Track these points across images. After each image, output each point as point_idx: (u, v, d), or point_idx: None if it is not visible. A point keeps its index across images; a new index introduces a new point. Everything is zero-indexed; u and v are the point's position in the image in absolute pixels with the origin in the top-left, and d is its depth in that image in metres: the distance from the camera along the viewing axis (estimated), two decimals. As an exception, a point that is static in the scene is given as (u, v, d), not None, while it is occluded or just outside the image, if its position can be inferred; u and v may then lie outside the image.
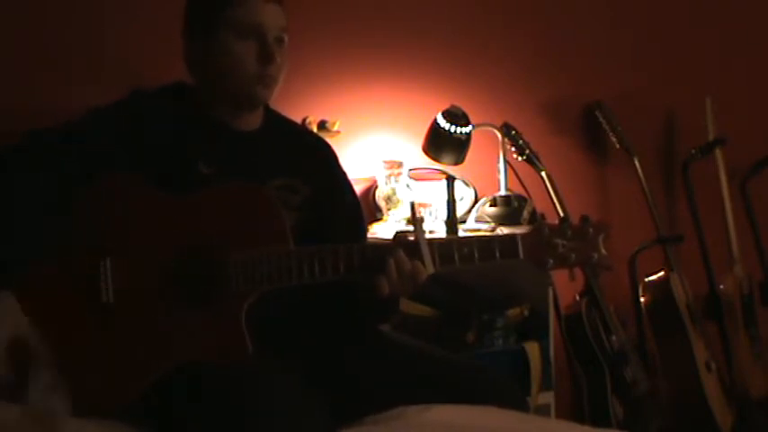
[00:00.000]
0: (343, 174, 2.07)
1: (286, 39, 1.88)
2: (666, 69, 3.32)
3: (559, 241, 1.81)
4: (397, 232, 1.79)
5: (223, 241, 1.71)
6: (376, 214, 2.78)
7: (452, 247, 1.78)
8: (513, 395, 1.91)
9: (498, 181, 2.85)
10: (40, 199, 1.69)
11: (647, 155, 3.23)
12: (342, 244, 1.75)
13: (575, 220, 1.87)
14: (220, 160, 1.83)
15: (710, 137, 3.26)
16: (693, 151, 3.26)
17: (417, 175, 2.87)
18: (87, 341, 1.68)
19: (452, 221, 2.61)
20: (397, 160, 2.78)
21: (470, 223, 2.78)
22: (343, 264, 1.73)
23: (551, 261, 1.81)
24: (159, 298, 1.69)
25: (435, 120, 2.78)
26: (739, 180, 3.34)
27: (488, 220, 2.76)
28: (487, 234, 2.49)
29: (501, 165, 2.85)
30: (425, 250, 1.74)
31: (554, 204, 2.82)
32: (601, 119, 3.14)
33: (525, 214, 2.75)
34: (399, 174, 2.76)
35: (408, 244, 1.76)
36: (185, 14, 1.91)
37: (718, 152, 3.30)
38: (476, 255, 1.78)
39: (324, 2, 2.76)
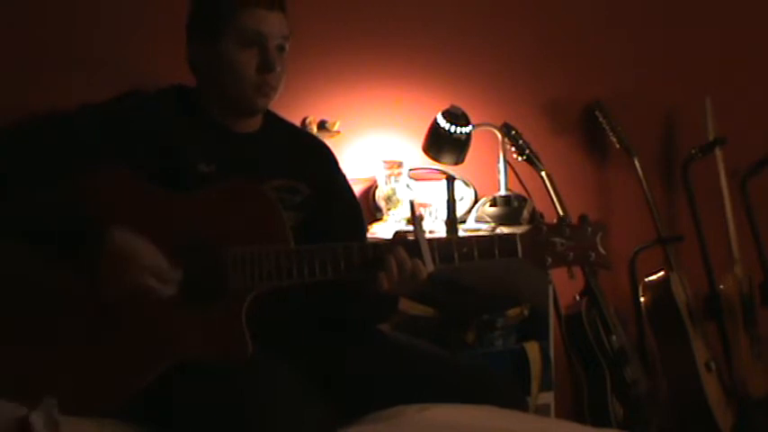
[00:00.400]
0: (342, 175, 2.08)
1: (287, 47, 1.88)
2: (666, 69, 3.32)
3: (558, 240, 1.82)
4: (396, 231, 1.80)
5: (223, 240, 1.71)
6: (376, 214, 2.78)
7: (452, 245, 1.78)
8: (513, 395, 1.92)
9: (498, 181, 2.85)
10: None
11: (647, 155, 3.23)
12: (342, 243, 1.75)
13: (574, 219, 1.88)
14: (220, 160, 1.83)
15: (710, 137, 3.26)
16: (693, 151, 3.26)
17: (417, 175, 2.87)
18: (87, 339, 1.68)
19: (452, 221, 2.61)
20: (397, 160, 2.78)
21: (470, 223, 2.78)
22: (343, 262, 1.73)
23: (550, 260, 1.82)
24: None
25: (435, 120, 2.78)
26: (739, 180, 3.34)
27: (488, 220, 2.76)
28: (487, 233, 2.49)
29: (501, 165, 2.85)
30: (425, 249, 1.75)
31: (554, 204, 2.82)
32: (601, 119, 3.14)
33: (525, 214, 2.75)
34: (399, 174, 2.76)
35: (408, 243, 1.76)
36: (190, 18, 1.91)
37: (718, 152, 3.30)
38: (475, 254, 1.78)
39: (324, 2, 2.76)
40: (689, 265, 3.23)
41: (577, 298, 2.92)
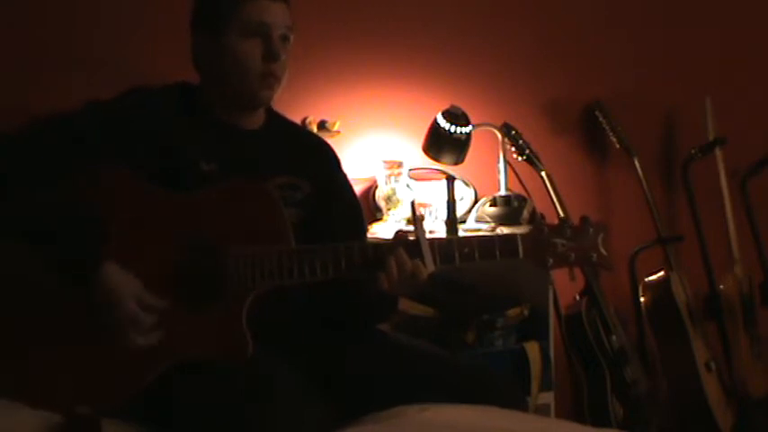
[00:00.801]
0: (344, 174, 2.08)
1: (291, 38, 1.89)
2: (666, 69, 3.32)
3: (559, 241, 1.82)
4: (398, 230, 1.80)
5: (224, 239, 1.71)
6: (376, 214, 2.78)
7: (453, 245, 1.78)
8: (513, 395, 1.92)
9: (498, 181, 2.85)
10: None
11: (647, 155, 3.23)
12: (342, 243, 1.75)
13: (575, 220, 1.88)
14: (222, 158, 1.83)
15: (710, 137, 3.26)
16: (693, 151, 3.26)
17: (417, 175, 2.87)
18: (87, 339, 1.68)
19: (452, 221, 2.61)
20: (397, 160, 2.78)
21: (470, 223, 2.78)
22: (344, 262, 1.73)
23: (551, 260, 1.82)
24: (160, 296, 1.69)
25: (435, 120, 2.78)
26: (739, 180, 3.34)
27: (488, 220, 2.76)
28: (487, 233, 2.49)
29: (501, 165, 2.85)
30: (426, 249, 1.75)
31: (554, 204, 2.82)
32: (601, 119, 3.14)
33: (525, 214, 2.75)
34: (399, 174, 2.76)
35: (409, 243, 1.76)
36: (194, 12, 1.92)
37: (718, 152, 3.30)
38: (476, 254, 1.78)
39: (324, 2, 2.76)
40: (689, 265, 3.23)
41: (577, 298, 2.92)
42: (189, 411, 1.63)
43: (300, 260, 1.72)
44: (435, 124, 2.78)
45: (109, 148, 1.76)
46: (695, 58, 3.35)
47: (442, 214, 2.67)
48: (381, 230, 2.66)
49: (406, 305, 2.51)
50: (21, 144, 1.74)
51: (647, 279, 3.17)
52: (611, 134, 3.13)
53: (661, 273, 3.15)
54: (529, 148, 2.84)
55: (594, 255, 1.84)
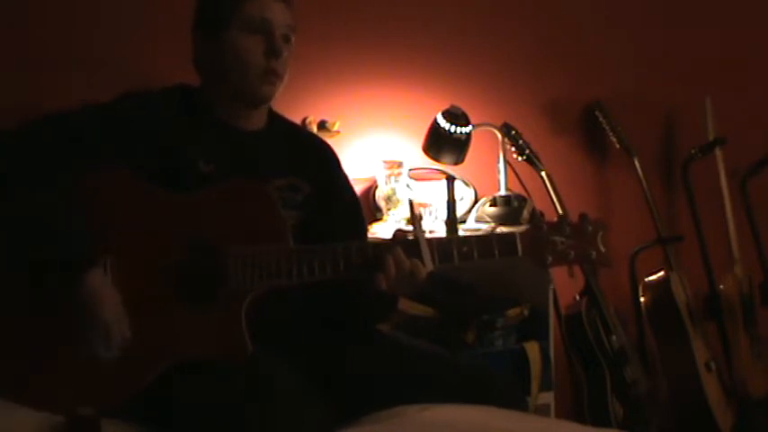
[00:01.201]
0: (344, 174, 2.08)
1: (293, 38, 1.89)
2: (666, 69, 3.32)
3: (558, 239, 1.82)
4: (397, 230, 1.80)
5: (223, 240, 1.71)
6: (376, 214, 2.78)
7: (452, 244, 1.78)
8: (513, 395, 1.92)
9: (498, 181, 2.85)
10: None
11: (647, 155, 3.23)
12: (341, 243, 1.75)
13: (574, 219, 1.87)
14: (222, 159, 1.83)
15: (710, 137, 3.26)
16: (693, 151, 3.26)
17: (417, 175, 2.87)
18: (88, 338, 1.68)
19: (452, 221, 2.61)
20: (397, 160, 2.78)
21: (470, 223, 2.78)
22: (343, 262, 1.73)
23: (550, 258, 1.82)
24: (159, 296, 1.69)
25: (435, 120, 2.78)
26: (739, 180, 3.34)
27: (488, 220, 2.76)
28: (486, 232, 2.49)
29: (501, 165, 2.85)
30: (425, 248, 1.75)
31: (554, 204, 2.82)
32: (601, 119, 3.14)
33: (525, 214, 2.75)
34: (399, 174, 2.76)
35: (407, 242, 1.76)
36: (196, 10, 1.92)
37: (718, 152, 3.30)
38: (475, 253, 1.78)
39: (324, 2, 2.76)
40: (689, 265, 3.23)
41: (577, 298, 2.92)
42: (189, 411, 1.63)
43: (299, 260, 1.72)
44: (435, 124, 2.78)
45: (109, 149, 1.76)
46: (695, 58, 3.35)
47: (442, 214, 2.67)
48: (381, 230, 2.66)
49: (405, 305, 2.51)
50: (20, 144, 1.74)
51: (647, 279, 3.17)
52: (611, 134, 3.13)
53: (661, 273, 3.15)
54: (529, 148, 2.84)
55: (594, 252, 1.84)
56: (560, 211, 2.79)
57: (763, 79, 3.48)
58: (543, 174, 2.84)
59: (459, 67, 2.98)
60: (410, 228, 2.02)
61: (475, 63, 3.01)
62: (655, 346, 3.17)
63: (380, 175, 2.79)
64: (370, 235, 2.54)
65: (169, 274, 1.70)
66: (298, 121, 2.60)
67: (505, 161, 2.85)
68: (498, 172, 2.85)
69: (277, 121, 2.01)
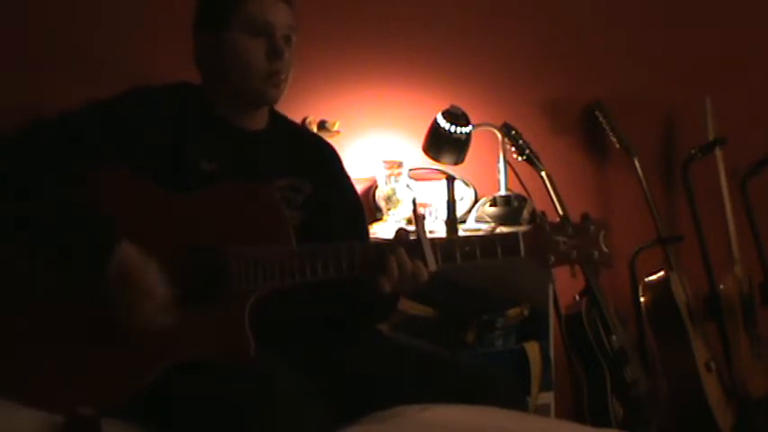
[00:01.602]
0: (346, 174, 2.08)
1: (294, 39, 1.89)
2: (666, 69, 3.32)
3: (560, 238, 1.82)
4: (399, 229, 1.80)
5: (225, 240, 1.71)
6: (376, 214, 2.78)
7: (454, 245, 1.79)
8: (513, 395, 1.91)
9: (498, 181, 2.85)
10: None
11: (647, 155, 3.23)
12: (343, 243, 1.75)
13: (575, 219, 1.88)
14: (223, 158, 1.83)
15: (710, 137, 3.26)
16: (693, 151, 3.26)
17: (417, 175, 2.87)
18: (88, 339, 1.68)
19: (452, 221, 2.61)
20: (397, 160, 2.78)
21: (470, 223, 2.78)
22: (345, 263, 1.73)
23: (553, 258, 1.82)
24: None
25: (435, 120, 2.78)
26: (739, 180, 3.34)
27: (488, 220, 2.76)
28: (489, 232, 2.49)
29: (501, 165, 2.85)
30: (427, 248, 1.75)
31: (554, 204, 2.82)
32: (601, 119, 3.14)
33: (525, 214, 2.75)
34: (399, 174, 2.76)
35: (410, 243, 1.76)
36: (197, 11, 1.92)
37: (718, 152, 3.30)
38: (478, 253, 1.78)
39: (324, 2, 2.76)
40: (689, 265, 3.23)
41: (577, 298, 2.92)
42: (189, 411, 1.63)
43: (302, 261, 1.72)
44: (435, 124, 2.78)
45: (109, 148, 1.76)
46: (695, 58, 3.35)
47: (442, 214, 2.67)
48: (381, 230, 2.66)
49: (405, 305, 2.51)
50: (21, 144, 1.74)
51: (647, 279, 3.17)
52: (611, 134, 3.13)
53: (661, 273, 3.15)
54: (529, 148, 2.84)
55: (596, 252, 1.84)
56: (560, 212, 2.79)
57: (763, 79, 3.48)
58: (543, 174, 2.84)
59: (459, 67, 2.98)
60: (411, 227, 2.02)
61: (475, 63, 3.01)
62: (655, 346, 3.17)
63: (380, 175, 2.79)
64: (370, 235, 2.54)
65: (170, 274, 1.70)
66: (298, 121, 2.59)
67: (505, 161, 2.85)
68: (498, 172, 2.85)
69: (279, 120, 2.01)
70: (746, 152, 3.33)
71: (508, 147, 2.85)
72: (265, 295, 1.72)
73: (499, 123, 2.85)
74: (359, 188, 2.58)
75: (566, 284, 2.77)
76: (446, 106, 2.79)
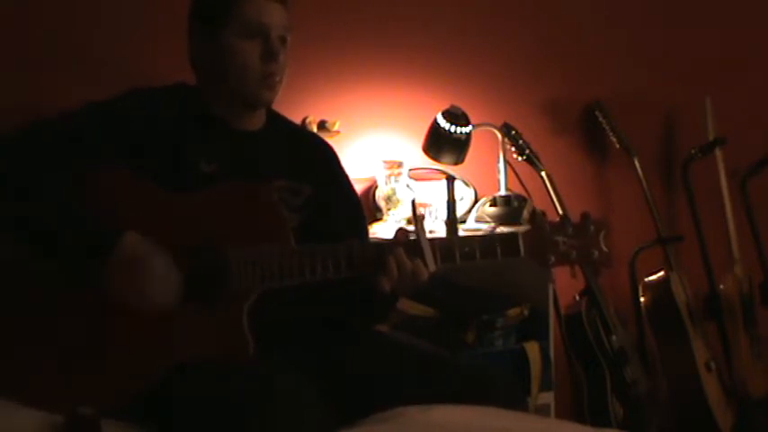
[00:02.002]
0: (345, 174, 2.08)
1: (289, 39, 1.89)
2: (666, 69, 3.32)
3: (560, 238, 1.82)
4: (399, 229, 1.80)
5: (224, 240, 1.71)
6: (376, 214, 2.78)
7: (454, 245, 1.78)
8: (513, 395, 1.91)
9: (498, 181, 2.85)
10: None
11: (647, 155, 3.23)
12: (343, 243, 1.75)
13: (575, 219, 1.87)
14: (222, 159, 1.83)
15: (710, 137, 3.26)
16: (693, 151, 3.26)
17: (417, 175, 2.87)
18: (88, 339, 1.68)
19: (452, 221, 2.61)
20: (397, 160, 2.78)
21: (470, 223, 2.78)
22: (345, 262, 1.73)
23: (552, 258, 1.82)
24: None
25: (435, 120, 2.78)
26: (739, 180, 3.34)
27: (488, 220, 2.76)
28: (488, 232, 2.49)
29: (501, 165, 2.85)
30: (427, 248, 1.75)
31: (554, 204, 2.82)
32: (601, 119, 3.14)
33: (525, 214, 2.75)
34: (399, 174, 2.76)
35: (409, 243, 1.76)
36: (190, 13, 1.91)
37: (718, 152, 3.30)
38: (477, 253, 1.78)
39: (324, 2, 2.76)
40: (689, 265, 3.23)
41: (577, 298, 2.92)
42: (189, 411, 1.63)
43: (301, 260, 1.72)
44: (435, 124, 2.78)
45: (109, 148, 1.76)
46: (695, 58, 3.35)
47: (442, 214, 2.67)
48: (381, 230, 2.66)
49: (405, 305, 2.51)
50: (21, 144, 1.74)
51: (647, 279, 3.17)
52: (611, 134, 3.13)
53: (661, 273, 3.15)
54: (529, 148, 2.84)
55: (596, 252, 1.83)
56: (560, 212, 2.79)
57: (763, 79, 3.48)
58: (543, 174, 2.84)
59: (459, 67, 2.98)
60: (411, 228, 2.02)
61: (475, 63, 3.01)
62: (655, 346, 3.17)
63: (380, 175, 2.79)
64: (370, 235, 2.54)
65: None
66: (298, 121, 2.60)
67: (505, 161, 2.85)
68: (498, 172, 2.85)
69: (276, 120, 2.01)
70: (746, 152, 3.33)
71: (508, 147, 2.85)
72: (265, 295, 1.72)
73: (499, 123, 2.86)
74: (359, 188, 2.59)
75: (566, 284, 2.77)
76: (446, 106, 2.79)
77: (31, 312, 1.69)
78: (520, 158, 2.84)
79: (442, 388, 1.81)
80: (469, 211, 2.85)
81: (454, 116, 2.77)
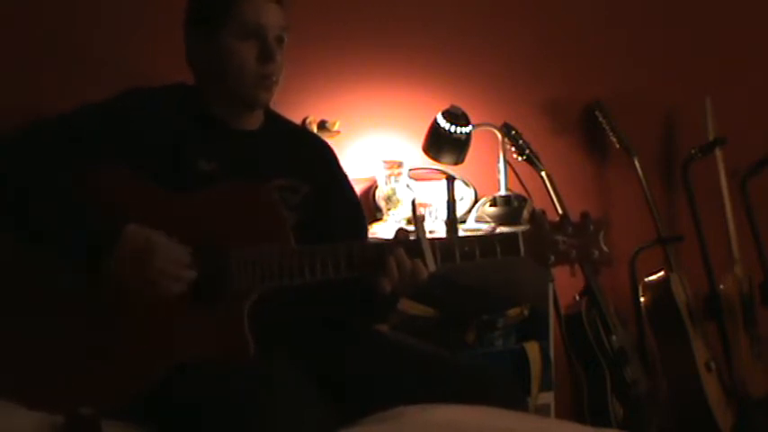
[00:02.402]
0: (344, 173, 2.08)
1: (286, 38, 1.89)
2: (666, 69, 3.31)
3: (560, 238, 1.82)
4: (399, 229, 1.80)
5: (224, 240, 1.71)
6: (376, 214, 2.78)
7: (454, 244, 1.78)
8: (513, 395, 1.91)
9: (498, 181, 2.85)
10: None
11: (647, 155, 3.23)
12: (342, 243, 1.75)
13: (575, 219, 1.87)
14: (221, 158, 1.83)
15: (710, 137, 3.26)
16: (693, 151, 3.26)
17: (417, 175, 2.87)
18: (89, 339, 1.68)
19: (452, 221, 2.61)
20: (397, 160, 2.78)
21: (470, 223, 2.78)
22: (344, 262, 1.73)
23: (552, 258, 1.82)
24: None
25: (435, 120, 2.78)
26: (739, 180, 3.34)
27: (488, 220, 2.76)
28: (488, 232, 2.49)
29: (501, 165, 2.85)
30: (427, 248, 1.75)
31: (554, 204, 2.82)
32: (601, 119, 3.14)
33: (525, 214, 2.75)
34: (399, 174, 2.76)
35: (409, 243, 1.76)
36: (187, 14, 1.91)
37: (718, 152, 3.30)
38: (477, 252, 1.78)
39: (324, 2, 2.76)
40: (689, 265, 3.22)
41: (577, 298, 2.92)
42: (189, 411, 1.63)
43: (301, 261, 1.72)
44: (435, 124, 2.78)
45: (109, 148, 1.77)
46: (695, 58, 3.35)
47: (442, 214, 2.67)
48: (381, 230, 2.66)
49: (405, 305, 2.51)
50: (21, 144, 1.74)
51: (647, 279, 3.17)
52: (611, 134, 3.13)
53: (661, 273, 3.15)
54: (529, 148, 2.84)
55: (596, 251, 1.83)
56: (561, 211, 2.79)
57: (763, 79, 3.48)
58: (543, 174, 2.84)
59: (459, 67, 2.98)
60: (411, 228, 2.02)
61: (475, 63, 3.01)
62: (655, 346, 3.17)
63: (380, 175, 2.78)
64: (370, 235, 2.53)
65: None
66: (298, 121, 2.60)
67: (505, 161, 2.85)
68: (498, 172, 2.85)
69: (275, 120, 2.01)
70: (746, 152, 3.33)
71: (508, 147, 2.85)
72: (265, 295, 1.72)
73: (499, 123, 2.85)
74: (359, 188, 2.59)
75: (566, 284, 2.77)
76: (446, 106, 2.79)
77: (31, 312, 1.69)
78: (520, 158, 2.84)
79: (442, 388, 1.81)
80: (469, 211, 2.85)
81: (454, 116, 2.77)
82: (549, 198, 2.83)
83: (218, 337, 1.70)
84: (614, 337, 2.88)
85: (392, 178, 2.76)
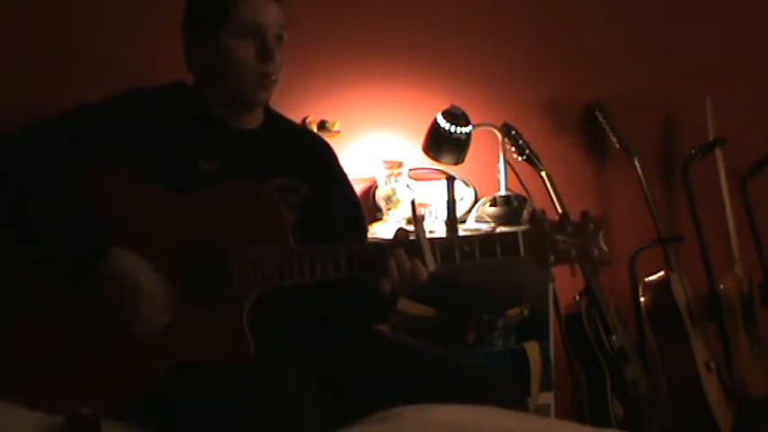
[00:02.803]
0: (344, 173, 2.08)
1: (285, 37, 1.89)
2: (666, 69, 3.32)
3: (560, 237, 1.82)
4: (399, 228, 1.80)
5: (224, 240, 1.71)
6: (376, 214, 2.78)
7: (453, 244, 1.78)
8: (513, 395, 1.91)
9: (498, 181, 2.85)
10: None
11: (647, 155, 3.23)
12: (342, 242, 1.75)
13: (575, 219, 1.87)
14: (221, 158, 1.83)
15: (710, 137, 3.26)
16: (693, 151, 3.26)
17: (417, 175, 2.87)
18: (88, 340, 1.68)
19: (452, 221, 2.61)
20: (397, 160, 2.78)
21: (470, 223, 2.78)
22: (344, 262, 1.73)
23: (552, 257, 1.81)
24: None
25: (435, 120, 2.78)
26: (739, 180, 3.34)
27: (488, 220, 2.76)
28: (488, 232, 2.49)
29: (501, 165, 2.85)
30: (427, 248, 1.75)
31: (554, 204, 2.82)
32: (601, 119, 3.14)
33: (525, 214, 2.75)
34: (399, 174, 2.76)
35: (409, 243, 1.76)
36: (185, 13, 1.91)
37: (718, 152, 3.30)
38: (477, 252, 1.78)
39: (324, 2, 2.76)
40: (689, 265, 3.23)
41: (577, 298, 2.92)
42: (189, 412, 1.63)
43: (301, 261, 1.72)
44: (435, 124, 2.78)
45: (109, 148, 1.76)
46: (695, 58, 3.35)
47: (442, 214, 2.67)
48: (381, 230, 2.66)
49: (405, 305, 2.51)
50: (21, 144, 1.74)
51: (647, 279, 3.17)
52: (611, 134, 3.13)
53: (661, 273, 3.15)
54: (529, 148, 2.84)
55: (596, 250, 1.83)
56: (561, 211, 2.79)
57: (763, 79, 3.48)
58: (543, 174, 2.84)
59: (459, 67, 2.98)
60: (411, 228, 2.02)
61: (475, 63, 3.01)
62: (655, 346, 3.17)
63: (380, 175, 2.79)
64: (370, 235, 2.53)
65: (170, 274, 1.70)
66: (298, 120, 2.59)
67: (505, 161, 2.86)
68: (498, 172, 2.85)
69: (274, 119, 2.01)
70: (746, 152, 3.33)
71: (508, 147, 2.85)
72: (265, 295, 1.72)
73: (499, 123, 2.86)
74: (359, 188, 2.59)
75: (566, 284, 2.77)
76: (446, 106, 2.79)
77: (31, 312, 1.69)
78: (520, 158, 2.84)
79: (442, 388, 1.81)
80: (469, 211, 2.85)
81: (454, 116, 2.77)
82: (549, 198, 2.83)
83: (218, 337, 1.70)
84: (614, 337, 2.88)
85: (392, 178, 2.76)
